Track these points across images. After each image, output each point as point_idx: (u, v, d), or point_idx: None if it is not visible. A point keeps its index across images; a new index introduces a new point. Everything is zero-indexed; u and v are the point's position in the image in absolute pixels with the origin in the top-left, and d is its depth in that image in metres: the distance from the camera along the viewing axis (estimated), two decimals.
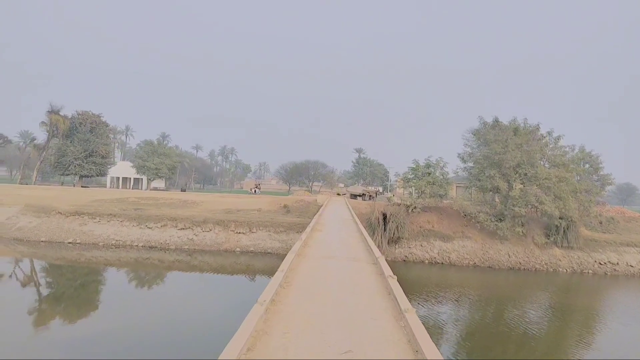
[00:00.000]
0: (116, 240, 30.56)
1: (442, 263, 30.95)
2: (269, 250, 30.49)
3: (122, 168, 77.22)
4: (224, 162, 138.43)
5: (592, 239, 34.74)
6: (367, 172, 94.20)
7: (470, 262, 31.09)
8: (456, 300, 21.37)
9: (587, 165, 35.91)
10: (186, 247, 30.19)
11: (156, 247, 30.10)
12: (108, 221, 32.37)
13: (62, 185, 71.20)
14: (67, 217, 33.09)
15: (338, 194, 59.52)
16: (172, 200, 40.56)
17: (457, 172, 39.25)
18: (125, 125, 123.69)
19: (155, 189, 74.09)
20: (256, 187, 74.60)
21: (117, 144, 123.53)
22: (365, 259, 11.90)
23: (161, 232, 31.35)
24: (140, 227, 31.74)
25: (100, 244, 30.22)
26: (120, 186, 76.82)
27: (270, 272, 25.09)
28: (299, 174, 79.08)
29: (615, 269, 31.83)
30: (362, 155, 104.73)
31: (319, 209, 33.32)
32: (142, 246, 30.13)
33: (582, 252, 33.20)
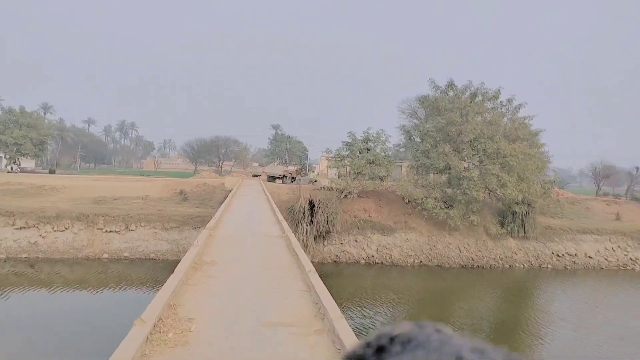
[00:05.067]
0: None
1: (382, 263, 27.33)
2: (152, 255, 24.56)
3: None
4: (123, 139, 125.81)
5: (548, 226, 33.36)
6: (284, 149, 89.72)
7: (416, 261, 27.83)
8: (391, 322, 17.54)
9: (525, 143, 34.17)
10: (25, 255, 23.13)
11: None
12: None
13: None
14: None
15: (254, 175, 53.90)
16: (21, 186, 32.34)
17: (399, 149, 36.00)
18: None
19: (24, 170, 62.77)
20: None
21: None
22: None
23: None
24: None
25: None
26: None
27: (154, 282, 19.65)
28: (208, 152, 72.89)
29: (574, 262, 30.58)
30: (279, 132, 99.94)
31: (225, 198, 27.80)
32: None
33: (537, 242, 31.56)
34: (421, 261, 27.82)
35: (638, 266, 31.27)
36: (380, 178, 32.46)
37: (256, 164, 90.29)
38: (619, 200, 48.51)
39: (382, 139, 34.05)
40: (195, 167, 75.56)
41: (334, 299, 6.50)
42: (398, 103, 38.44)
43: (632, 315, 21.00)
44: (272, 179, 45.18)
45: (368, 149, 33.66)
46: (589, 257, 31.35)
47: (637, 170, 58.18)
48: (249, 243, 12.36)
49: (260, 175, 50.68)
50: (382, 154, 33.66)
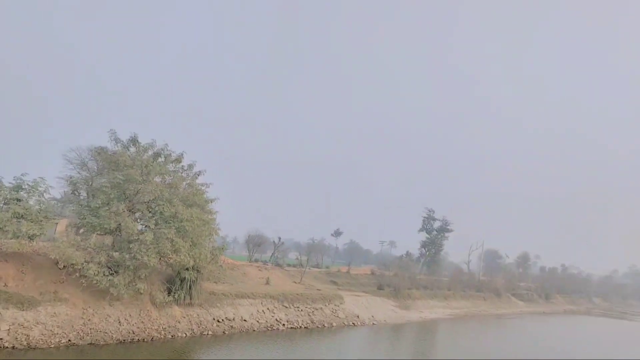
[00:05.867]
0: None
1: (14, 347, 21.63)
2: None
3: None
4: None
5: (212, 292, 35.19)
6: None
7: (63, 340, 23.41)
8: None
9: (199, 209, 36.75)
10: None
11: None
12: None
13: None
14: None
15: None
16: None
17: (58, 203, 31.78)
18: None
19: None
20: None
21: None
22: None
23: None
24: None
25: None
26: None
27: None
28: None
29: (232, 326, 33.00)
30: None
31: None
32: None
33: (201, 309, 32.68)
34: (70, 340, 23.61)
35: (281, 326, 36.71)
36: (29, 237, 26.68)
37: None
38: (267, 266, 57.55)
39: (40, 189, 28.61)
40: None
41: None
42: (65, 151, 33.74)
43: None
44: None
45: (18, 200, 27.50)
46: (245, 320, 34.73)
47: (279, 240, 71.46)
48: None
49: None
50: (37, 207, 28.15)
